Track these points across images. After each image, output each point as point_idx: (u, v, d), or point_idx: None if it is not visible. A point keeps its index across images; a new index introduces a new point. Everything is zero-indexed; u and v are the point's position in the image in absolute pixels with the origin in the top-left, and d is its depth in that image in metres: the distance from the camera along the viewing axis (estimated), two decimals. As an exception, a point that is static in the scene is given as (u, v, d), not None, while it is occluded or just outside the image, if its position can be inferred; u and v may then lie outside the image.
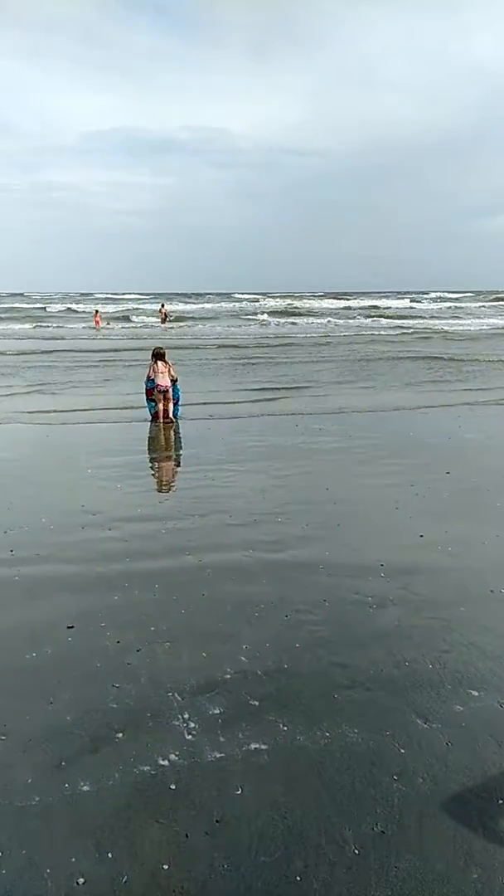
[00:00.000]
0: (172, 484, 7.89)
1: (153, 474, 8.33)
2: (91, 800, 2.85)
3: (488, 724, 3.34)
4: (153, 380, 10.83)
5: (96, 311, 39.19)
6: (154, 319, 42.01)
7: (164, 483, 7.98)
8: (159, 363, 10.82)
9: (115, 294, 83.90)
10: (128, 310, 49.67)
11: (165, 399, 10.81)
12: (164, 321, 40.44)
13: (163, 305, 45.18)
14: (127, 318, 41.42)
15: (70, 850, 2.60)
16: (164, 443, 9.88)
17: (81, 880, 2.47)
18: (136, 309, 51.57)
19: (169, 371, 10.88)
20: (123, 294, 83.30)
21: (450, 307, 61.45)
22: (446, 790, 2.91)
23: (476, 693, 3.58)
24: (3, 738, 3.23)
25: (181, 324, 40.20)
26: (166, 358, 10.97)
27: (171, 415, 10.90)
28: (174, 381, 10.98)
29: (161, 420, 10.77)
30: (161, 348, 11.19)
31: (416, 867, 2.53)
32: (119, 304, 62.89)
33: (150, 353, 11.28)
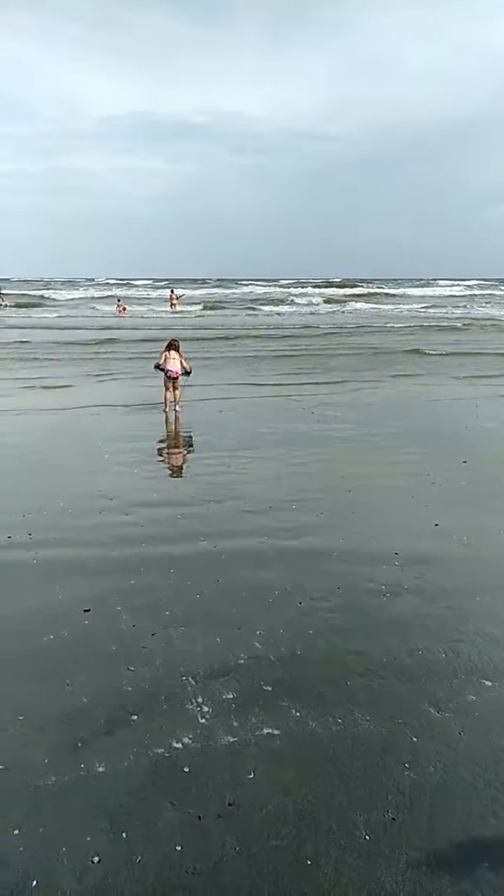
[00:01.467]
0: (188, 470, 7.91)
1: (169, 460, 8.37)
2: (106, 780, 2.90)
3: (501, 714, 3.35)
4: (162, 366, 10.98)
5: (118, 300, 39.71)
6: (163, 307, 42.52)
7: (179, 469, 8.01)
8: (172, 351, 10.95)
9: (121, 280, 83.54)
10: (90, 298, 49.31)
11: (175, 386, 10.97)
12: (173, 306, 41.39)
13: (172, 291, 46.10)
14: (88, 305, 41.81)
15: (85, 830, 2.65)
16: (179, 430, 9.91)
17: (96, 859, 2.52)
18: (95, 298, 50.31)
19: (181, 361, 10.98)
20: (128, 279, 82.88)
21: (478, 294, 60.33)
22: (458, 779, 2.92)
23: (489, 683, 3.58)
24: (20, 718, 3.28)
25: (192, 309, 40.68)
26: (180, 350, 11.06)
27: (178, 402, 10.98)
28: (187, 373, 11.09)
29: (168, 407, 10.90)
30: (176, 340, 11.31)
31: (426, 854, 2.55)
32: (90, 289, 62.88)
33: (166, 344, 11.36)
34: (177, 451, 8.82)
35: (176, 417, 10.51)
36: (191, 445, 9.01)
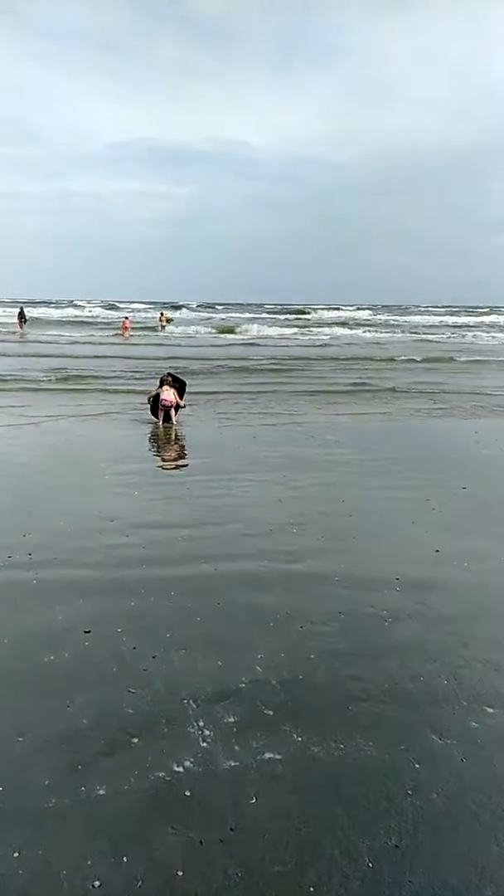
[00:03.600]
0: (188, 492, 7.90)
1: (169, 482, 8.38)
2: (107, 803, 2.88)
3: (504, 741, 3.33)
4: (155, 397, 11.72)
5: (125, 318, 40.98)
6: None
7: (179, 491, 8.01)
8: (164, 386, 11.71)
9: (112, 301, 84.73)
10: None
11: (168, 416, 11.61)
12: (162, 327, 44.95)
13: (162, 314, 51.14)
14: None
15: (86, 853, 2.62)
16: (178, 451, 9.96)
17: (97, 883, 2.49)
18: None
19: (174, 394, 11.68)
20: (120, 301, 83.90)
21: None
22: (461, 806, 2.91)
23: (491, 710, 3.57)
24: (20, 739, 3.26)
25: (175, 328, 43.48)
26: (172, 383, 11.82)
27: (173, 419, 11.62)
28: (180, 406, 11.83)
29: (162, 423, 11.50)
30: (168, 377, 11.98)
31: (429, 882, 2.53)
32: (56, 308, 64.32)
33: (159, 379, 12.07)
34: (177, 473, 8.84)
35: (176, 439, 10.59)
36: (190, 467, 9.03)
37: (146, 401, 12.15)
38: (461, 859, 2.63)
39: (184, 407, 11.98)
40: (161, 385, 11.81)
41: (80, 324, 47.77)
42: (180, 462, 9.41)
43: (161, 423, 11.51)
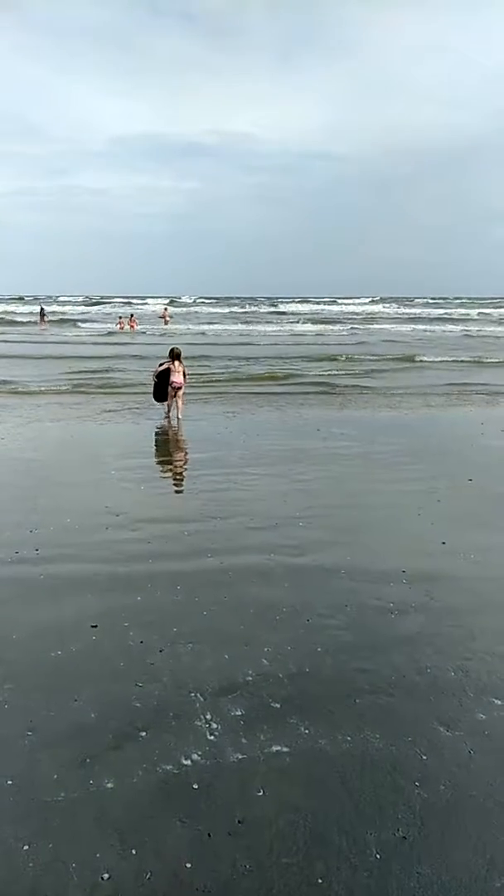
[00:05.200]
0: (194, 486, 7.91)
1: (175, 476, 8.39)
2: (115, 796, 2.89)
3: (511, 733, 3.32)
4: (166, 373, 11.35)
5: (132, 315, 41.59)
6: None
7: (185, 485, 8.02)
8: (176, 363, 11.33)
9: (102, 295, 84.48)
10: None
11: (178, 395, 11.36)
12: (166, 323, 44.50)
13: (165, 309, 50.85)
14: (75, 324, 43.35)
15: (95, 846, 2.63)
16: (184, 446, 9.96)
17: (106, 875, 2.50)
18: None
19: (183, 372, 11.39)
20: (110, 297, 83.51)
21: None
22: (469, 798, 2.90)
23: (499, 702, 3.57)
24: (29, 733, 3.28)
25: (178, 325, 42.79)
26: (181, 358, 11.50)
27: (181, 413, 11.41)
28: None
29: (170, 411, 11.40)
30: (178, 348, 11.71)
31: (438, 874, 2.53)
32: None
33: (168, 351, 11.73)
34: (183, 467, 8.85)
35: (179, 432, 10.60)
36: (196, 461, 9.03)
37: (152, 376, 11.80)
38: (469, 850, 2.63)
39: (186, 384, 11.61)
40: (173, 360, 11.30)
41: (89, 321, 47.82)
42: (186, 456, 9.42)
43: (167, 407, 11.33)
